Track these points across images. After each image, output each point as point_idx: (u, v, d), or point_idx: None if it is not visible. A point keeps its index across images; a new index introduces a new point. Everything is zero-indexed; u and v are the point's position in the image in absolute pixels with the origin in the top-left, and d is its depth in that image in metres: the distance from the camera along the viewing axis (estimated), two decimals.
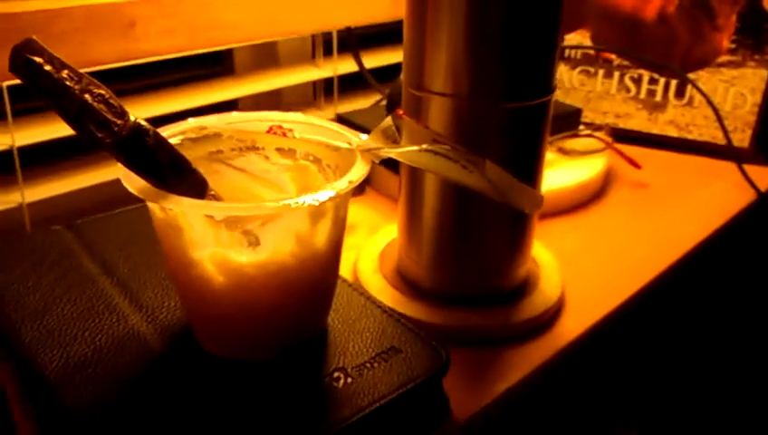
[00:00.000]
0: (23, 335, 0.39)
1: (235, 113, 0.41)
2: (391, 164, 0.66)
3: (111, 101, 0.29)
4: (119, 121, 0.30)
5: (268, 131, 0.39)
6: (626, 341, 0.58)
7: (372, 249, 0.54)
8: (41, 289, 0.43)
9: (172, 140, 0.38)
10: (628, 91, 0.80)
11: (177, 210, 0.32)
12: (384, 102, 0.77)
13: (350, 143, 0.38)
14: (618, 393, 0.66)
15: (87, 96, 0.29)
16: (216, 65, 0.91)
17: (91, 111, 0.29)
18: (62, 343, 0.39)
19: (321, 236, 0.35)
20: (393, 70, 1.03)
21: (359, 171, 0.34)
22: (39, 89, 0.27)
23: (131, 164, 0.31)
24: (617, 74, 0.80)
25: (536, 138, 0.43)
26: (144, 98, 0.79)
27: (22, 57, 0.26)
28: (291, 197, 0.42)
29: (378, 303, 0.44)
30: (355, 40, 0.83)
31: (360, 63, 0.85)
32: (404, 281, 0.50)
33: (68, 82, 0.28)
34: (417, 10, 0.42)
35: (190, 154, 0.39)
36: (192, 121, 0.40)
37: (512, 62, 0.40)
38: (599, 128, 0.73)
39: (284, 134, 0.39)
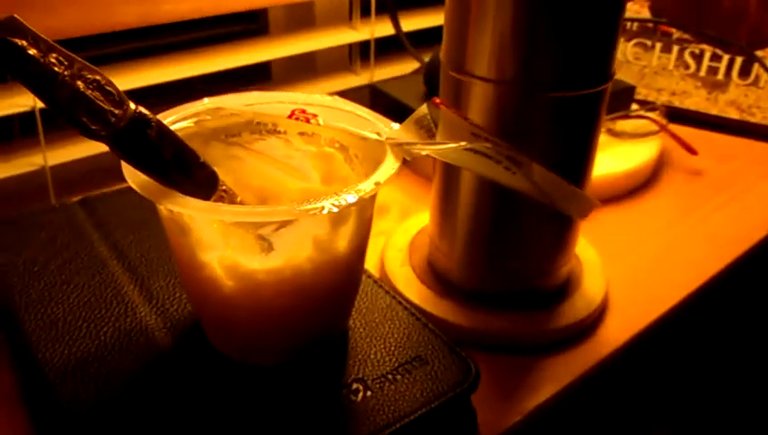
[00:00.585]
0: (25, 324, 0.37)
1: (254, 93, 0.37)
2: None
3: (108, 87, 0.26)
4: (116, 111, 0.26)
5: (290, 116, 0.35)
6: (673, 345, 0.54)
7: (402, 237, 0.50)
8: (48, 273, 0.41)
9: (185, 123, 0.35)
10: (687, 67, 0.74)
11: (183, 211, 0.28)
12: (423, 72, 0.72)
13: (379, 134, 0.34)
14: (656, 395, 0.62)
15: (79, 83, 0.25)
16: (251, 23, 0.87)
17: (83, 100, 0.25)
18: (64, 335, 0.37)
19: (343, 241, 0.31)
20: (435, 34, 0.98)
21: (387, 170, 0.31)
22: (22, 76, 0.24)
23: (130, 159, 0.27)
24: (676, 49, 0.73)
25: (588, 131, 0.39)
26: (173, 57, 0.76)
27: (2, 41, 0.23)
28: (314, 186, 0.38)
29: (404, 303, 0.40)
30: (392, 0, 0.77)
31: (397, 26, 0.80)
32: (433, 275, 0.46)
33: (57, 68, 0.24)
34: None
35: (205, 138, 0.36)
36: (207, 102, 0.36)
37: (566, 45, 0.36)
38: (653, 108, 0.67)
39: (308, 120, 0.35)
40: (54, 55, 0.24)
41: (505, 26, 0.36)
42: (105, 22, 0.53)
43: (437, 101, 0.34)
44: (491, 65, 0.37)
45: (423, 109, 0.34)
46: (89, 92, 0.25)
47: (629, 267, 0.51)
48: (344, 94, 0.98)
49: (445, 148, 0.31)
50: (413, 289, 0.45)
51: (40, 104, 0.67)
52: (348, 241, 0.32)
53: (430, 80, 0.62)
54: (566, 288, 0.46)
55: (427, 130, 0.34)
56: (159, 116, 0.35)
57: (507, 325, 0.42)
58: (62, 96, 0.25)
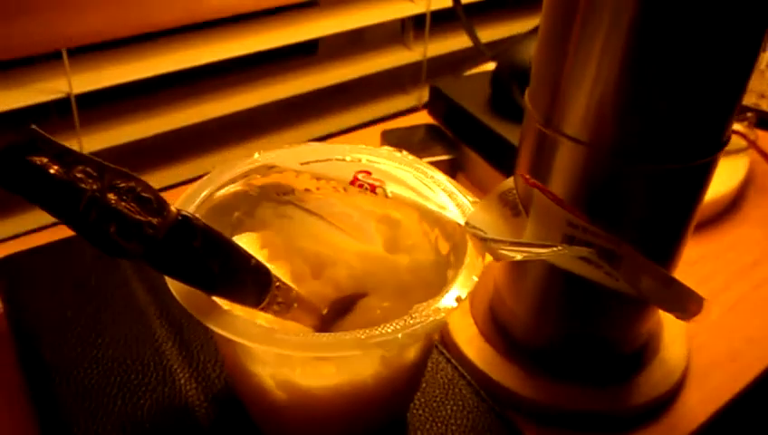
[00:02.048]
0: (56, 390, 0.34)
1: (312, 146, 0.33)
2: (488, 152, 0.56)
3: (145, 194, 0.22)
4: (154, 220, 0.22)
5: (353, 181, 0.31)
6: (764, 414, 0.49)
7: None
8: (83, 321, 0.38)
9: (233, 187, 0.31)
10: None
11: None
12: (483, 64, 0.66)
13: (457, 211, 0.29)
14: None
15: (111, 196, 0.21)
16: None
17: (116, 216, 0.21)
18: (99, 407, 0.33)
19: (412, 353, 0.27)
20: (493, 4, 0.90)
21: (469, 278, 0.26)
22: (44, 201, 0.20)
23: (171, 274, 0.23)
24: None
25: (690, 205, 0.33)
26: (216, 33, 0.71)
27: (19, 162, 0.19)
28: (376, 250, 0.34)
29: (468, 377, 0.36)
30: None
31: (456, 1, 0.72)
32: (497, 329, 0.42)
33: (83, 184, 0.20)
34: (560, 20, 0.31)
35: (256, 197, 0.32)
36: (258, 158, 0.32)
37: (680, 110, 0.30)
38: (743, 117, 0.60)
39: (373, 188, 0.30)
40: (80, 168, 0.20)
41: (608, 83, 0.30)
42: (141, 23, 0.48)
43: (528, 178, 0.29)
44: (585, 126, 0.31)
45: (509, 182, 0.29)
46: (122, 205, 0.21)
47: (712, 320, 0.46)
48: (397, 71, 0.91)
49: (538, 252, 0.27)
50: (475, 348, 0.40)
51: (75, 90, 0.63)
52: (417, 351, 0.27)
53: (498, 83, 0.56)
54: (644, 352, 0.41)
55: (513, 208, 0.29)
56: (207, 178, 0.31)
57: (577, 400, 0.38)
58: (90, 216, 0.20)
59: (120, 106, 0.70)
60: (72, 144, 0.66)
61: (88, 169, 0.20)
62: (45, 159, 0.19)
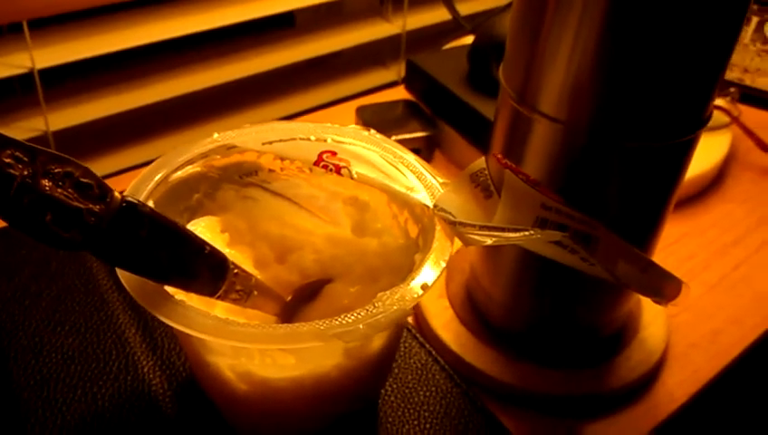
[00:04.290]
0: (14, 382, 0.33)
1: (274, 125, 0.31)
2: (465, 128, 0.55)
3: (85, 179, 0.20)
4: (96, 208, 0.20)
5: (317, 162, 0.29)
6: (745, 395, 0.49)
7: None
8: (41, 308, 0.36)
9: (192, 168, 0.29)
10: (766, 42, 0.65)
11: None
12: (462, 38, 0.64)
13: (425, 192, 0.28)
14: None
15: (45, 182, 0.19)
16: None
17: (51, 203, 0.19)
18: (58, 397, 0.32)
19: (378, 341, 0.26)
20: None
21: (437, 263, 0.25)
22: None
23: (118, 264, 0.22)
24: (755, 21, 0.64)
25: (671, 184, 0.32)
26: (188, 5, 0.69)
27: None
28: (343, 233, 0.33)
29: (441, 360, 0.35)
30: None
31: None
32: (473, 311, 0.41)
33: (12, 170, 0.18)
34: None
35: (216, 180, 0.31)
36: (218, 138, 0.30)
37: (660, 86, 0.28)
38: (725, 93, 0.59)
39: (338, 169, 0.29)
40: (8, 152, 0.18)
41: (585, 58, 0.28)
42: None
43: (501, 157, 0.27)
44: (562, 104, 0.30)
45: (480, 162, 0.28)
46: (58, 192, 0.19)
47: (693, 299, 0.45)
48: (376, 45, 0.89)
49: (511, 236, 0.25)
50: (451, 331, 0.39)
51: (38, 65, 0.60)
52: (383, 340, 0.26)
53: (475, 58, 0.54)
54: (622, 333, 0.40)
55: (484, 190, 0.28)
56: (162, 159, 0.29)
57: (554, 383, 0.37)
58: (22, 204, 0.19)
59: (88, 82, 0.68)
60: (38, 122, 0.64)
61: (17, 154, 0.19)
62: None
